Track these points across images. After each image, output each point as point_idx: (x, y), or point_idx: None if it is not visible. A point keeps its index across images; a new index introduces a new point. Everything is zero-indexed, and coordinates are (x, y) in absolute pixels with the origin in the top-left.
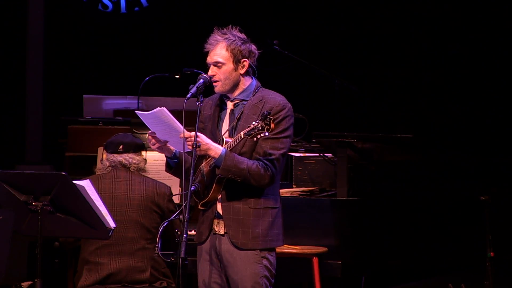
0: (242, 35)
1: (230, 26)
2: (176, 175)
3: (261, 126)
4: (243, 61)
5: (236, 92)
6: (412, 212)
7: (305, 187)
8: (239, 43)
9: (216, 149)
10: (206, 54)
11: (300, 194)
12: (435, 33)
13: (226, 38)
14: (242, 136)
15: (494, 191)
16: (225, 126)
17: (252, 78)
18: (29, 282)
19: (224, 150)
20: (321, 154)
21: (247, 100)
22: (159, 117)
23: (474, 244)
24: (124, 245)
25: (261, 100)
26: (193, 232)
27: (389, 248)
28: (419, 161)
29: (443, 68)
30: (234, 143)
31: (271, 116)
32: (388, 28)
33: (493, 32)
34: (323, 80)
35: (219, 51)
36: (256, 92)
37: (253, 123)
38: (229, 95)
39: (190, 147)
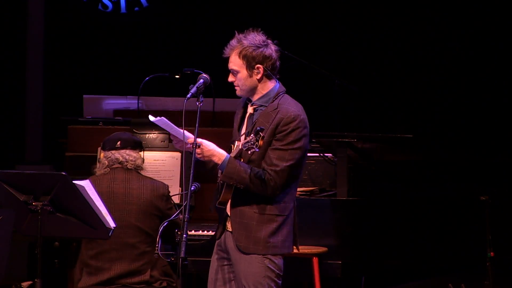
0: (258, 39)
1: (250, 29)
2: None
3: (253, 141)
4: (257, 67)
5: (256, 97)
6: (412, 212)
7: (305, 187)
8: (251, 50)
9: (220, 155)
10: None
11: (300, 194)
12: (435, 33)
13: (240, 45)
14: (240, 147)
15: (494, 191)
16: (244, 129)
17: (275, 82)
18: (29, 282)
19: (228, 156)
20: (321, 154)
21: (266, 106)
22: (162, 125)
23: (474, 244)
24: (124, 251)
25: (276, 109)
26: (193, 232)
27: (389, 248)
28: (419, 161)
29: (443, 68)
30: (236, 151)
31: (280, 131)
32: (388, 28)
33: (493, 31)
34: (323, 80)
35: (233, 58)
36: (276, 99)
37: (249, 137)
38: (250, 98)
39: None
